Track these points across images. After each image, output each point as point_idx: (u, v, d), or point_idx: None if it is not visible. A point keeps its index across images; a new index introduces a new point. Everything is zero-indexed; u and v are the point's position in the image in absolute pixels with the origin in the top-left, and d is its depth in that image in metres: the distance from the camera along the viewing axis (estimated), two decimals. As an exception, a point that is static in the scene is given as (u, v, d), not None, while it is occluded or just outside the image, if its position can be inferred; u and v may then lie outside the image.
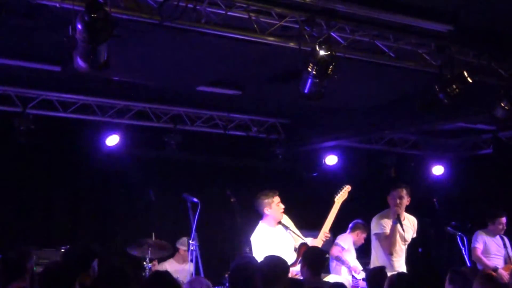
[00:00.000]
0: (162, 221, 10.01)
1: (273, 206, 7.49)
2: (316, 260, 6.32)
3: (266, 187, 7.71)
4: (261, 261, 5.51)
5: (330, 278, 7.73)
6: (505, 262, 8.89)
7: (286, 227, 7.59)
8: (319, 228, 7.90)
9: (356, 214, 9.67)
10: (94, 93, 9.18)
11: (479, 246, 8.93)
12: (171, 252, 9.20)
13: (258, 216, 7.63)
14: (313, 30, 6.23)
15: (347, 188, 7.98)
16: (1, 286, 4.90)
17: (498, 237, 9.03)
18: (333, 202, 7.95)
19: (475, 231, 9.16)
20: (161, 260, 9.20)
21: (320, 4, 6.00)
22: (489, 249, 8.95)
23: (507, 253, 8.94)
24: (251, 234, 7.62)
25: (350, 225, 9.36)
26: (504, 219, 9.01)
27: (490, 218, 9.05)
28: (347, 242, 9.25)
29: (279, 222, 7.60)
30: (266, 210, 7.46)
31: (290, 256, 7.27)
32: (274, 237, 7.43)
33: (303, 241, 7.54)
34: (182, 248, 9.15)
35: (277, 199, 7.51)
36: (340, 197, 7.94)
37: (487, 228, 9.06)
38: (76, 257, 5.07)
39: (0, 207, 9.24)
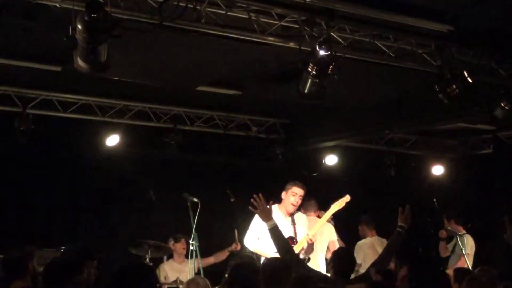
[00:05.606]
0: (162, 221, 10.00)
1: (288, 193, 7.64)
2: (344, 263, 5.93)
3: (266, 187, 7.72)
4: (263, 262, 5.48)
5: None
6: None
7: (294, 223, 7.62)
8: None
9: (356, 214, 9.66)
10: (94, 93, 9.18)
11: (470, 253, 8.95)
12: (170, 253, 9.19)
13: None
14: (313, 30, 6.22)
15: (346, 198, 7.87)
16: (3, 286, 4.90)
17: None
18: (328, 206, 7.93)
19: (474, 231, 9.16)
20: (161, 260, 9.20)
21: (320, 4, 6.00)
22: None
23: None
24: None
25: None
26: None
27: None
28: None
29: (291, 215, 7.66)
30: (282, 194, 7.69)
31: None
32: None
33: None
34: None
35: (296, 189, 7.61)
36: (337, 205, 7.86)
37: None
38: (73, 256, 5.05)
39: (0, 207, 9.24)
